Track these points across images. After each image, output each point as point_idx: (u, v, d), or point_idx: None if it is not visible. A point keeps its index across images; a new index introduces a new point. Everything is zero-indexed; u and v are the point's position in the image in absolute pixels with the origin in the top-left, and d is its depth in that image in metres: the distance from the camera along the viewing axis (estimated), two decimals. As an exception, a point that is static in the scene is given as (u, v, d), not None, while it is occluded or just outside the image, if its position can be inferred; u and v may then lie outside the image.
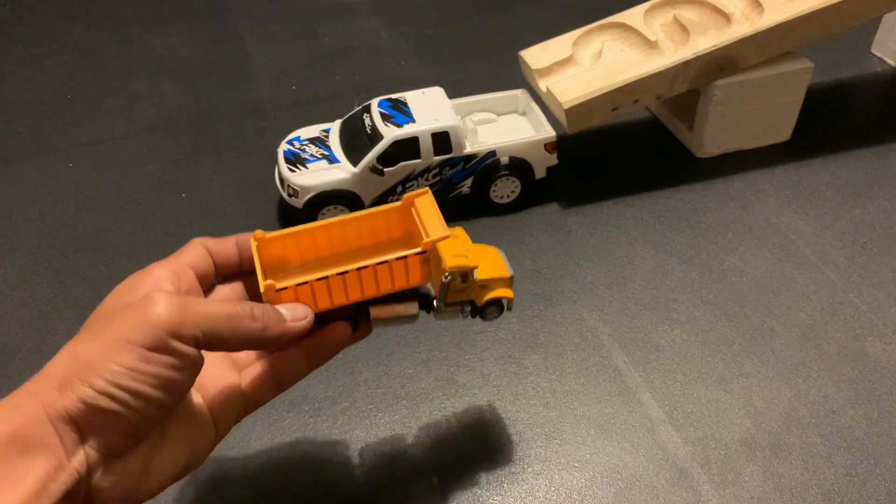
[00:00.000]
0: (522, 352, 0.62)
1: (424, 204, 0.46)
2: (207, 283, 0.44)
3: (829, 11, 0.74)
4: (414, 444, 0.55)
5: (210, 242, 0.45)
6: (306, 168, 0.70)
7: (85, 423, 0.34)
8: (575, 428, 0.56)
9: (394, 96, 0.73)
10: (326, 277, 0.42)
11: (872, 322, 0.63)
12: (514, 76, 0.84)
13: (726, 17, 0.76)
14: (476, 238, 0.73)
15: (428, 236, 0.44)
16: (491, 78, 0.94)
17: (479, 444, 0.55)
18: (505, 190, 0.74)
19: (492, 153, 0.72)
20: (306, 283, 0.42)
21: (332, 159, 0.71)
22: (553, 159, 0.74)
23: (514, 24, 1.08)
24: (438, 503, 0.52)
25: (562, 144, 0.74)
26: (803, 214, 0.74)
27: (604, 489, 0.52)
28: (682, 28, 0.76)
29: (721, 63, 0.74)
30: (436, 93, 0.74)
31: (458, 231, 0.48)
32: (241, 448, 0.55)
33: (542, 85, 0.76)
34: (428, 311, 0.47)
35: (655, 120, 0.88)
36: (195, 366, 0.36)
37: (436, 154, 0.70)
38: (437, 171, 0.71)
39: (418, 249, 0.44)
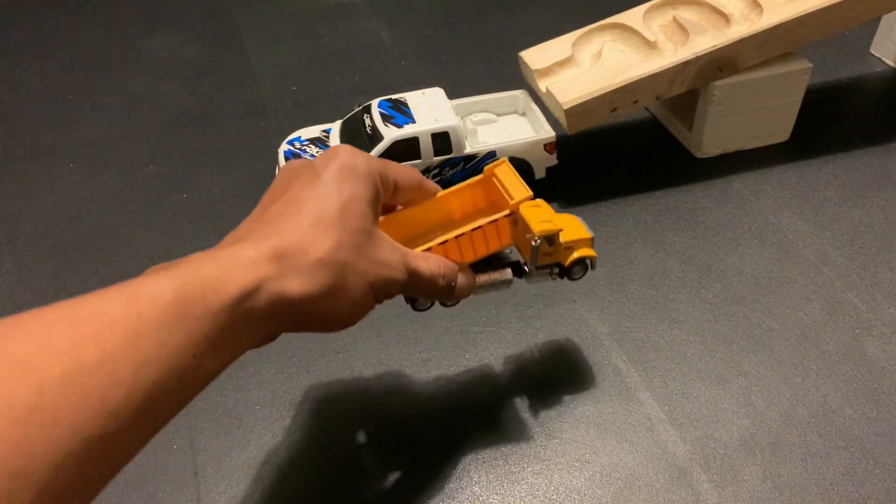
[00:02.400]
0: (522, 351, 0.62)
1: (504, 172, 0.51)
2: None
3: (828, 12, 0.74)
4: (413, 443, 0.55)
5: (423, 181, 0.50)
6: (306, 168, 0.70)
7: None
8: (574, 427, 0.56)
9: (394, 97, 0.73)
10: (430, 248, 0.48)
11: (871, 322, 0.63)
12: (513, 77, 0.84)
13: (725, 18, 0.76)
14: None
15: (513, 199, 0.49)
16: (491, 78, 0.94)
17: (479, 444, 0.55)
18: (505, 190, 0.74)
19: (492, 153, 0.72)
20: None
21: (332, 159, 0.71)
22: (553, 159, 0.74)
23: (514, 25, 1.08)
24: (438, 503, 0.52)
25: (561, 145, 0.75)
26: (802, 214, 0.74)
27: (603, 488, 0.52)
28: (682, 29, 0.76)
29: (720, 63, 0.74)
30: (436, 93, 0.74)
31: (540, 202, 0.51)
32: (242, 447, 0.55)
33: (542, 85, 0.77)
34: (520, 276, 0.52)
35: (655, 120, 0.88)
36: None
37: (436, 154, 0.70)
38: (437, 171, 0.71)
39: (506, 212, 0.49)
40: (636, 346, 0.62)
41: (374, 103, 0.72)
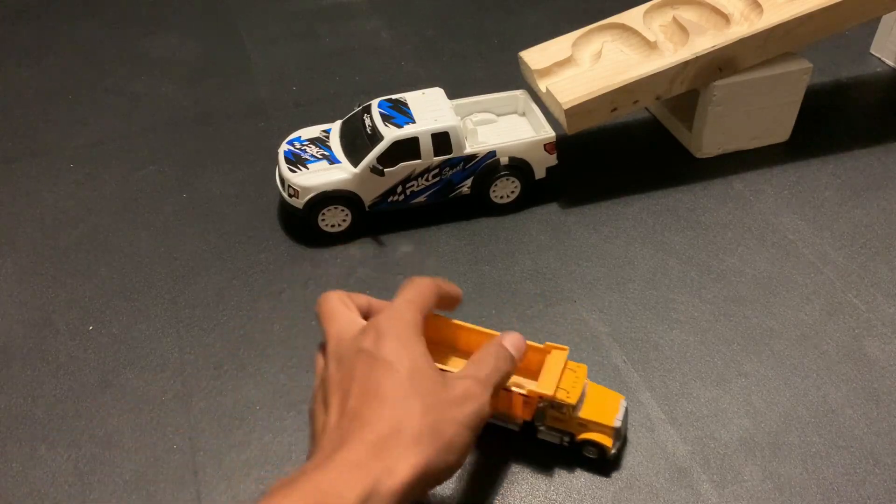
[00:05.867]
0: (522, 351, 0.62)
1: (556, 358, 0.52)
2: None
3: (827, 12, 0.74)
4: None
5: (441, 287, 0.51)
6: (307, 168, 0.70)
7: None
8: (574, 427, 0.56)
9: (394, 97, 0.73)
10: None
11: (871, 322, 0.63)
12: (513, 77, 0.84)
13: (725, 18, 0.76)
14: (474, 237, 0.74)
15: (538, 387, 0.50)
16: (491, 78, 0.94)
17: (479, 444, 0.55)
18: (505, 190, 0.74)
19: (492, 153, 0.72)
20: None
21: (332, 160, 0.71)
22: (553, 160, 0.74)
23: (514, 25, 1.08)
24: (438, 503, 0.52)
25: (561, 145, 0.75)
26: (802, 214, 0.74)
27: (603, 488, 0.52)
28: (682, 29, 0.76)
29: (720, 63, 0.74)
30: (436, 93, 0.74)
31: (579, 367, 0.53)
32: (242, 447, 0.55)
33: (542, 85, 0.77)
34: (531, 430, 0.54)
35: (655, 120, 0.88)
36: None
37: (436, 154, 0.70)
38: (437, 171, 0.71)
39: (523, 390, 0.51)
40: (636, 346, 0.62)
41: (374, 103, 0.72)
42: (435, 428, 0.42)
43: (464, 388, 0.45)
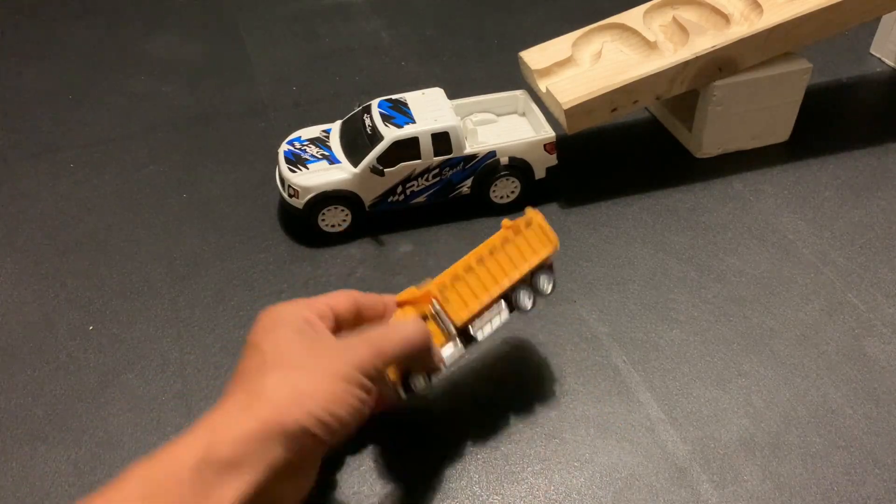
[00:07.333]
0: (522, 351, 0.62)
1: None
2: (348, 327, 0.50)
3: (827, 12, 0.74)
4: (413, 443, 0.55)
5: (359, 296, 0.52)
6: (307, 168, 0.70)
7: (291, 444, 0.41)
8: (574, 427, 0.56)
9: (394, 97, 0.73)
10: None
11: (871, 322, 0.63)
12: (513, 77, 0.84)
13: (725, 18, 0.76)
14: (474, 237, 0.74)
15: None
16: (491, 79, 0.94)
17: (479, 444, 0.55)
18: (505, 190, 0.74)
19: (492, 153, 0.72)
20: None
21: (332, 160, 0.71)
22: (553, 160, 0.74)
23: (514, 25, 1.08)
24: (438, 503, 0.52)
25: (561, 145, 0.75)
26: (802, 215, 0.74)
27: (603, 488, 0.52)
28: (682, 29, 0.76)
29: (720, 64, 0.74)
30: (436, 93, 0.74)
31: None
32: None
33: (542, 85, 0.77)
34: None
35: (655, 120, 0.88)
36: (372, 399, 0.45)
37: (436, 154, 0.70)
38: (437, 171, 0.71)
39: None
40: (636, 346, 0.62)
41: (374, 103, 0.72)
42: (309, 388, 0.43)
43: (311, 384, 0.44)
